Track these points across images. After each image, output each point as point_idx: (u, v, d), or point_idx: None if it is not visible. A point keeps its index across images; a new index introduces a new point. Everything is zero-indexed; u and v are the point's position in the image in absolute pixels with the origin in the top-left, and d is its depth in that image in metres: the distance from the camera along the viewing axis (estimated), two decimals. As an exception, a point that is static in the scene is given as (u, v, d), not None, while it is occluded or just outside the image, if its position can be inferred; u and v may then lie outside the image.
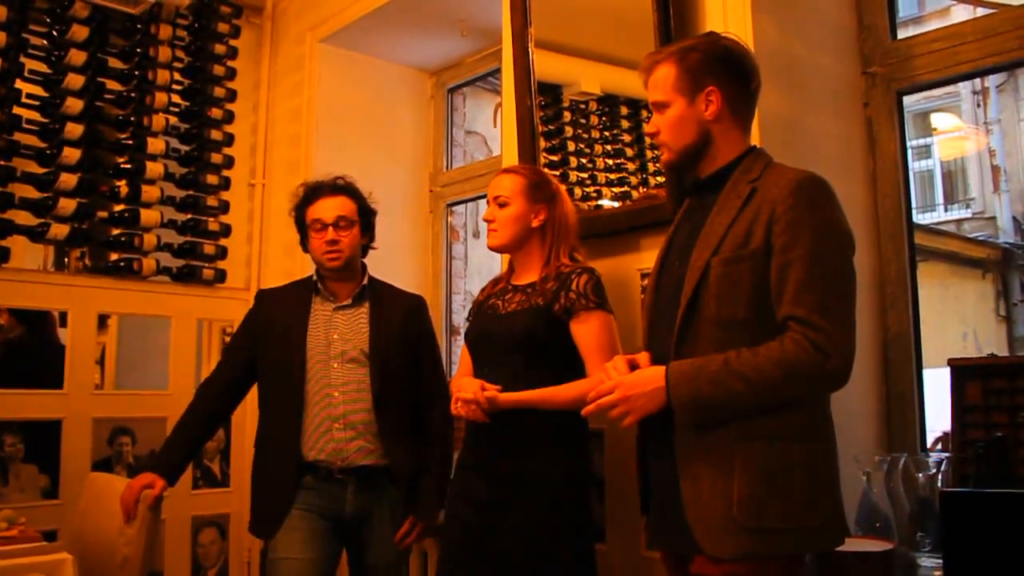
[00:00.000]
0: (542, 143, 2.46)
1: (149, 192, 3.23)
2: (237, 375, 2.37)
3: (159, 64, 3.31)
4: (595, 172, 2.41)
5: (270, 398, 2.31)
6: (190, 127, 3.43)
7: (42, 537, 2.03)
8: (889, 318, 2.15)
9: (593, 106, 2.45)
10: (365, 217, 2.37)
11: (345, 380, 2.23)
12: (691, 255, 1.49)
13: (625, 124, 2.36)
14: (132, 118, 3.22)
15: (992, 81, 7.12)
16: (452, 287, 3.74)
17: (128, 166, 3.21)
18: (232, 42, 3.59)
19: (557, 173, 2.41)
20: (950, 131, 7.67)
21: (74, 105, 3.05)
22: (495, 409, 1.87)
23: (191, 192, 3.40)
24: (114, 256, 3.19)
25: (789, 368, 1.36)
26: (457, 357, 2.67)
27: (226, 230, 3.49)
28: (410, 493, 2.23)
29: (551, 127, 2.49)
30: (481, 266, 3.97)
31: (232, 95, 3.57)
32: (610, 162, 2.37)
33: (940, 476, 1.79)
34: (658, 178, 2.21)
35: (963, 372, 1.87)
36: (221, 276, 3.47)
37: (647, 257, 2.15)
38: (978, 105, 7.49)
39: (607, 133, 2.39)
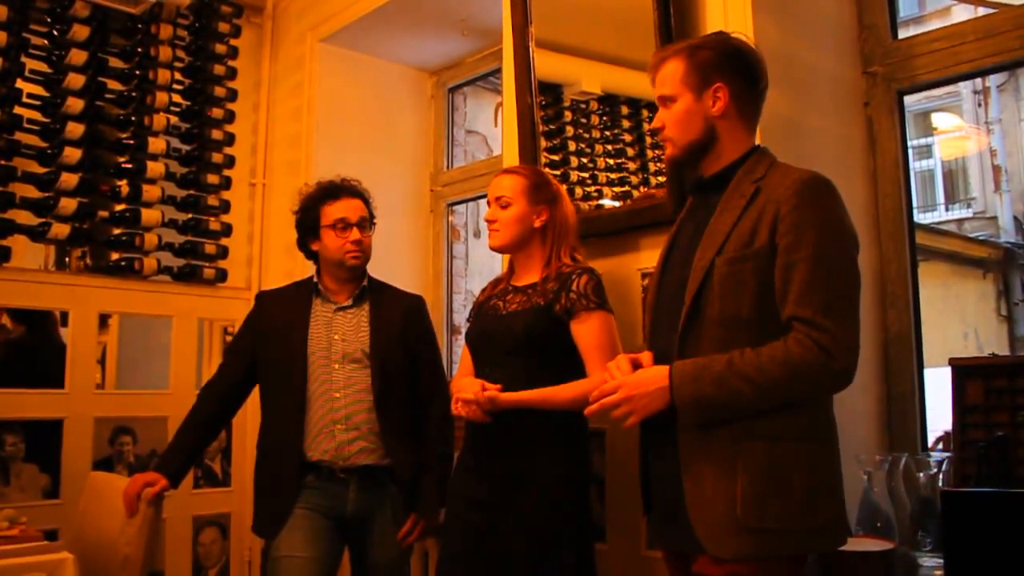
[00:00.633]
0: (543, 143, 2.46)
1: (150, 191, 3.23)
2: (239, 377, 2.37)
3: (160, 64, 3.31)
4: (596, 172, 2.41)
5: (272, 399, 2.32)
6: (191, 127, 3.43)
7: (43, 536, 2.03)
8: (890, 318, 2.15)
9: (594, 106, 2.45)
10: (371, 221, 2.40)
11: (346, 381, 2.24)
12: (695, 254, 1.49)
13: (626, 124, 2.36)
14: (133, 117, 3.22)
15: (993, 81, 7.11)
16: (453, 287, 3.74)
17: (129, 165, 3.21)
18: (233, 42, 3.59)
19: (558, 173, 2.41)
20: (951, 131, 7.66)
21: (75, 105, 3.06)
22: (496, 409, 1.87)
23: (192, 191, 3.40)
24: (115, 255, 3.19)
25: (793, 368, 1.36)
26: (458, 357, 2.67)
27: (227, 229, 3.49)
28: (411, 492, 2.24)
29: (552, 127, 2.49)
30: (482, 266, 3.97)
31: (233, 95, 3.57)
32: (611, 162, 2.37)
33: (941, 476, 1.79)
34: (659, 178, 2.21)
35: (964, 372, 1.87)
36: (222, 276, 3.47)
37: (647, 257, 2.15)
38: (979, 105, 7.48)
39: (608, 133, 2.39)
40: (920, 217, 7.26)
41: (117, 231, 3.18)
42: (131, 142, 3.21)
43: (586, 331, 1.90)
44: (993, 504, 1.45)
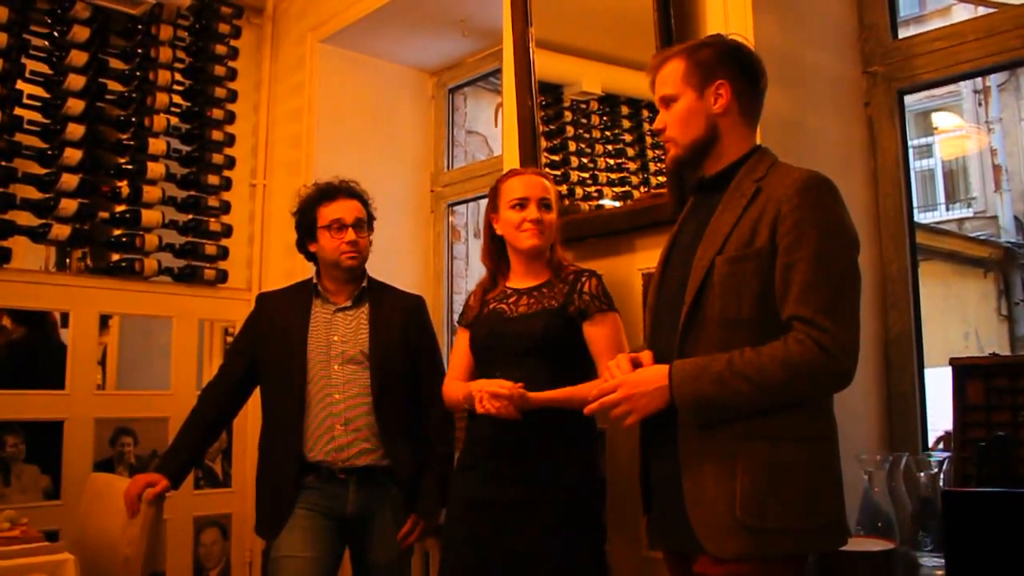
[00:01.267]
0: (543, 143, 2.46)
1: (150, 192, 3.23)
2: (239, 379, 2.38)
3: (160, 65, 3.31)
4: (596, 172, 2.41)
5: (272, 400, 2.32)
6: (191, 127, 3.43)
7: (44, 537, 2.03)
8: (890, 317, 2.15)
9: (594, 106, 2.45)
10: (369, 222, 2.40)
11: (346, 381, 2.24)
12: (695, 254, 1.49)
13: (626, 124, 2.36)
14: (133, 119, 3.22)
15: (993, 80, 7.12)
16: (453, 287, 3.74)
17: (129, 167, 3.21)
18: (233, 42, 3.59)
19: (558, 173, 2.41)
20: (951, 130, 7.66)
21: (75, 106, 3.06)
22: (527, 407, 1.83)
23: (192, 192, 3.40)
24: (115, 257, 3.19)
25: (793, 368, 1.36)
26: (459, 357, 2.66)
27: (227, 230, 3.49)
28: (411, 492, 2.24)
29: (552, 127, 2.49)
30: (482, 266, 3.96)
31: (233, 95, 3.57)
32: (611, 162, 2.37)
33: (942, 475, 1.79)
34: (659, 178, 2.21)
35: (965, 371, 1.87)
36: (222, 276, 3.47)
37: (648, 257, 2.15)
38: (979, 104, 7.48)
39: (608, 133, 2.39)
40: (920, 217, 7.26)
41: (117, 232, 3.18)
42: (131, 143, 3.22)
43: (601, 332, 1.91)
44: (994, 504, 1.45)
